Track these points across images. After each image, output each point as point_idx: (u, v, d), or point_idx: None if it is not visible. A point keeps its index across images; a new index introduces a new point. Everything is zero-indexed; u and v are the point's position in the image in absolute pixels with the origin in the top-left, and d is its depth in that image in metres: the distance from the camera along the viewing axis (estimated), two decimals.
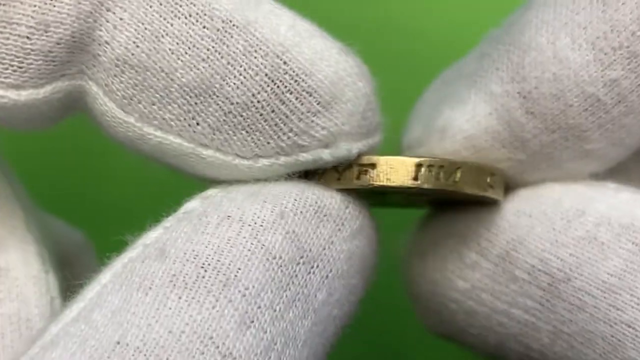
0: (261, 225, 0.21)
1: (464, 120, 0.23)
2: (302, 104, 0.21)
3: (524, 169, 0.24)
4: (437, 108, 0.25)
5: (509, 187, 0.24)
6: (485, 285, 0.23)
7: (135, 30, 0.21)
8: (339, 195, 0.22)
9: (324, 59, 0.21)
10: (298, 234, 0.21)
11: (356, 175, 0.22)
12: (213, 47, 0.21)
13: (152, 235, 0.21)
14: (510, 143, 0.23)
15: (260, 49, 0.21)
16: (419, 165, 0.22)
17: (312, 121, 0.21)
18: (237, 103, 0.21)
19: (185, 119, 0.21)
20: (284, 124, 0.21)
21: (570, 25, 0.22)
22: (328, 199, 0.22)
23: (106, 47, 0.21)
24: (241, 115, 0.21)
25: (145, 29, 0.21)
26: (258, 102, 0.21)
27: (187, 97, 0.21)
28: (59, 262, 0.25)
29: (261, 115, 0.21)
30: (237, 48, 0.21)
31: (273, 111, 0.21)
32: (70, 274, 0.24)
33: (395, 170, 0.22)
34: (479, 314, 0.24)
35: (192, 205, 0.22)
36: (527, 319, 0.23)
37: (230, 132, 0.22)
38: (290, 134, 0.22)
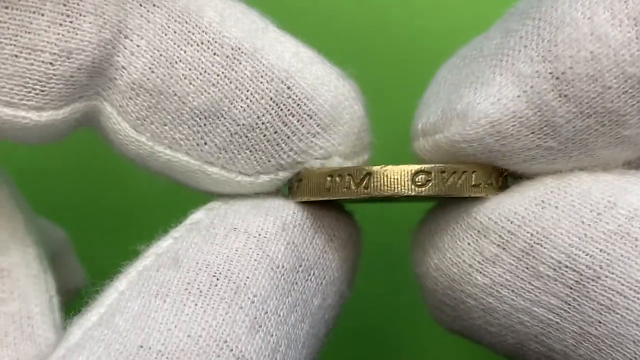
0: (265, 237, 0.22)
1: (489, 104, 0.21)
2: (303, 126, 0.23)
3: (553, 158, 0.22)
4: (457, 90, 0.23)
5: (533, 176, 0.23)
6: (506, 281, 0.22)
7: (152, 56, 0.22)
8: (333, 209, 0.24)
9: (325, 84, 0.23)
10: (297, 245, 0.23)
11: (356, 184, 0.22)
12: (223, 72, 0.22)
13: (163, 245, 0.22)
14: (540, 129, 0.21)
15: (267, 74, 0.23)
16: (416, 173, 0.22)
17: (312, 142, 0.23)
18: (243, 125, 0.23)
19: (194, 139, 0.23)
20: (285, 144, 0.23)
21: None
22: (323, 211, 0.24)
23: (123, 72, 0.22)
24: (246, 136, 0.23)
25: (161, 55, 0.22)
26: (262, 123, 0.23)
27: (197, 119, 0.23)
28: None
29: (264, 136, 0.23)
30: (245, 74, 0.22)
31: (276, 132, 0.23)
32: (53, 271, 0.25)
33: (392, 179, 0.22)
34: (499, 312, 0.22)
35: (198, 216, 0.23)
36: (550, 318, 0.21)
37: (235, 151, 0.23)
38: (290, 153, 0.23)
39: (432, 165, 0.22)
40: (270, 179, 0.24)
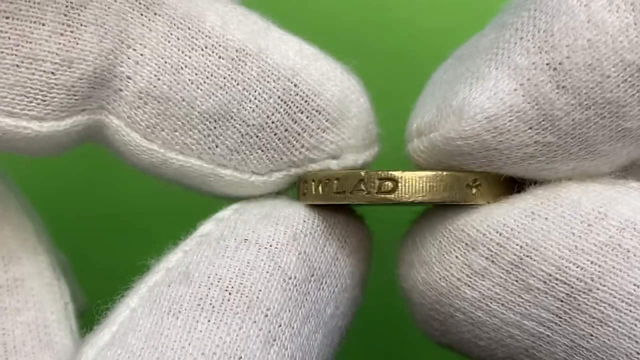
0: (276, 248, 0.22)
1: (485, 98, 0.21)
2: (312, 122, 0.23)
3: (552, 155, 0.21)
4: (452, 87, 0.22)
5: (530, 182, 0.22)
6: (496, 295, 0.21)
7: (156, 64, 0.22)
8: (342, 214, 0.24)
9: (331, 79, 0.23)
10: (309, 254, 0.22)
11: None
12: (229, 75, 0.22)
13: (173, 259, 0.22)
14: (539, 123, 0.21)
15: (273, 74, 0.23)
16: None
17: (322, 137, 0.23)
18: (253, 125, 0.23)
19: (205, 142, 0.23)
20: (296, 141, 0.23)
21: None
22: (333, 219, 0.24)
23: (128, 82, 0.22)
24: (257, 136, 0.23)
25: (166, 62, 0.22)
26: (272, 122, 0.23)
27: (207, 123, 0.23)
28: None
29: (275, 134, 0.23)
30: (252, 75, 0.22)
31: (286, 130, 0.23)
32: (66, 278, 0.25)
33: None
34: (488, 326, 0.22)
35: (208, 228, 0.23)
36: (541, 332, 0.21)
37: (247, 152, 0.23)
38: (302, 150, 0.23)
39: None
40: (283, 175, 0.24)
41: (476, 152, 0.22)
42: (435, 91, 0.23)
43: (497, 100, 0.21)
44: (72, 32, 0.21)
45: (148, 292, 0.21)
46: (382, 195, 0.22)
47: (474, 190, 0.22)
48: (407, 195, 0.22)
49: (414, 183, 0.22)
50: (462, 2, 0.38)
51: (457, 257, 0.22)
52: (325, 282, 0.23)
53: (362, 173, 0.22)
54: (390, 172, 0.22)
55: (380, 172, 0.22)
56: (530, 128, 0.21)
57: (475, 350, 0.23)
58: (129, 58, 0.22)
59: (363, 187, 0.22)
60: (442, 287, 0.23)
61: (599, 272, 0.20)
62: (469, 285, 0.22)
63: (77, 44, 0.22)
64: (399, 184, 0.22)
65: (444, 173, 0.22)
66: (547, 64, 0.20)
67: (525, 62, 0.20)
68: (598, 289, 0.20)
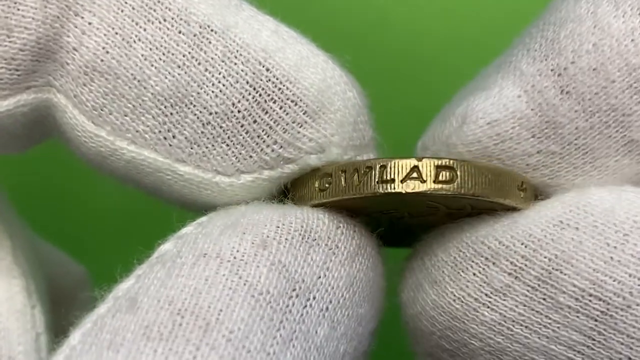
0: (242, 259, 0.18)
1: (488, 104, 0.20)
2: (286, 114, 0.20)
3: (556, 168, 0.20)
4: (459, 101, 0.22)
5: (538, 194, 0.21)
6: (519, 316, 0.19)
7: (105, 35, 0.20)
8: (327, 215, 0.20)
9: (310, 66, 0.20)
10: (286, 264, 0.19)
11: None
12: (189, 52, 0.20)
13: (124, 286, 0.19)
14: (542, 131, 0.20)
15: (241, 54, 0.20)
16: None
17: (298, 132, 0.20)
18: (216, 113, 0.20)
19: (160, 131, 0.20)
20: (268, 136, 0.20)
21: None
22: (315, 221, 0.20)
23: (74, 54, 0.20)
24: (220, 127, 0.20)
25: (116, 33, 0.20)
26: (239, 111, 0.20)
27: (162, 107, 0.20)
28: (55, 297, 0.24)
29: (242, 126, 0.20)
30: (216, 54, 0.20)
31: (255, 121, 0.20)
32: (66, 311, 0.22)
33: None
34: (509, 354, 0.20)
35: (166, 247, 0.20)
36: (571, 357, 0.19)
37: (210, 145, 0.20)
38: (274, 147, 0.20)
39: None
40: (254, 178, 0.20)
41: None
42: (445, 108, 0.22)
43: (500, 106, 0.20)
44: None
45: (91, 326, 0.18)
46: (440, 185, 0.19)
47: (522, 195, 0.20)
48: (467, 188, 0.19)
49: (474, 174, 0.20)
50: (463, 3, 0.37)
51: (474, 274, 0.20)
52: (314, 297, 0.19)
53: (416, 159, 0.19)
54: (448, 160, 0.20)
55: (435, 160, 0.19)
56: (533, 136, 0.20)
57: None
58: (75, 27, 0.20)
59: (416, 175, 0.19)
60: (456, 310, 0.20)
61: (639, 285, 0.18)
62: (488, 306, 0.20)
63: (18, 9, 0.20)
64: (458, 174, 0.19)
65: (502, 167, 0.20)
66: (552, 70, 0.20)
67: (531, 69, 0.20)
68: (638, 305, 0.18)
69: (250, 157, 0.20)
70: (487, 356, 0.20)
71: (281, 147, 0.20)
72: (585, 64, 0.19)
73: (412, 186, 0.19)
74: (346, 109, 0.20)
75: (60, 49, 0.20)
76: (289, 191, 0.21)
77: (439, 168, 0.19)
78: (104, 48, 0.20)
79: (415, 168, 0.19)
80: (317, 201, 0.20)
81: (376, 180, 0.19)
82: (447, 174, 0.19)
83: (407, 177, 0.19)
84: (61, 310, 0.23)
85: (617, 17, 0.19)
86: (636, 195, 0.20)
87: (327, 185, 0.20)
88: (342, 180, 0.20)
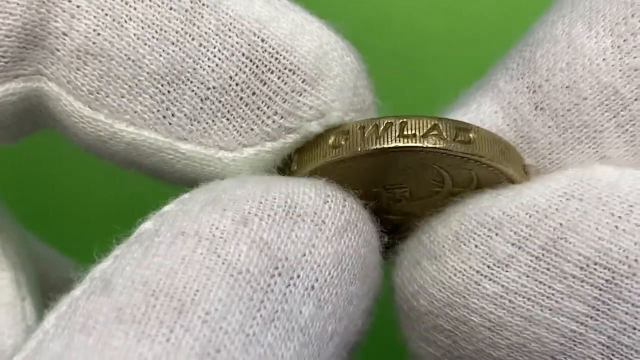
0: (221, 237, 0.18)
1: (465, 119, 0.21)
2: (285, 83, 0.20)
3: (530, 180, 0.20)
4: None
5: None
6: (522, 287, 0.19)
7: (95, 17, 0.19)
8: (315, 189, 0.19)
9: (305, 33, 0.20)
10: (268, 242, 0.18)
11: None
12: (182, 29, 0.19)
13: (101, 267, 0.18)
14: (517, 145, 0.21)
15: (235, 27, 0.19)
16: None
17: (298, 101, 0.20)
18: (214, 87, 0.19)
19: (158, 110, 0.20)
20: (267, 107, 0.20)
21: (588, 13, 0.20)
22: (300, 196, 0.19)
23: (64, 39, 0.20)
24: (219, 101, 0.20)
25: (106, 14, 0.19)
26: (236, 84, 0.19)
27: (159, 86, 0.20)
28: (46, 295, 0.23)
29: (241, 99, 0.20)
30: (209, 28, 0.19)
31: (254, 93, 0.20)
32: (40, 298, 0.22)
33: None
34: (510, 328, 0.19)
35: (145, 226, 0.19)
36: (574, 330, 0.19)
37: (210, 120, 0.20)
38: (275, 117, 0.20)
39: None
40: (257, 151, 0.20)
41: None
42: None
43: (477, 121, 0.21)
44: None
45: (66, 309, 0.17)
46: (458, 145, 0.19)
47: (524, 174, 0.21)
48: (483, 152, 0.20)
49: (489, 141, 0.20)
50: (463, 3, 0.37)
51: (476, 245, 0.20)
52: (298, 276, 0.18)
53: (436, 118, 0.20)
54: (465, 122, 0.20)
55: (454, 120, 0.20)
56: None
57: None
58: (63, 11, 0.19)
59: (437, 133, 0.19)
60: (457, 284, 0.20)
61: None
62: (490, 278, 0.19)
63: None
64: (475, 138, 0.20)
65: (511, 144, 0.21)
66: (527, 87, 0.21)
67: (508, 87, 0.21)
68: None
69: (252, 129, 0.20)
70: (486, 333, 0.20)
71: (282, 117, 0.20)
72: (559, 82, 0.20)
73: (433, 142, 0.19)
74: (345, 74, 0.20)
75: (48, 35, 0.20)
76: (292, 162, 0.21)
77: (458, 129, 0.20)
78: (94, 30, 0.19)
79: (435, 126, 0.19)
80: (330, 158, 0.20)
81: (397, 134, 0.19)
82: (465, 135, 0.20)
83: (427, 134, 0.19)
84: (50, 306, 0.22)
85: (589, 37, 0.20)
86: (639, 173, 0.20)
87: (342, 143, 0.20)
88: (359, 135, 0.20)
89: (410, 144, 0.19)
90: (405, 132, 0.19)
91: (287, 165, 0.21)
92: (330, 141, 0.20)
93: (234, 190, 0.19)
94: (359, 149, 0.19)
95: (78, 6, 0.19)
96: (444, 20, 0.37)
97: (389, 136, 0.19)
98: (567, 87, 0.20)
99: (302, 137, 0.20)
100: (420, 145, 0.19)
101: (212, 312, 0.17)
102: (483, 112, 0.21)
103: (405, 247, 0.22)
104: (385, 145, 0.19)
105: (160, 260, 0.17)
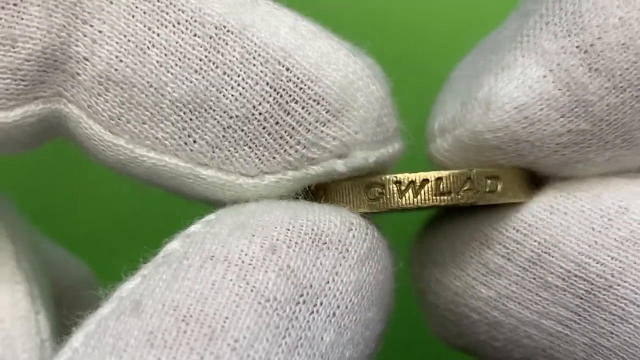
0: (250, 264, 0.18)
1: (513, 87, 0.20)
2: (309, 114, 0.19)
3: (587, 145, 0.20)
4: (475, 81, 0.21)
5: (550, 179, 0.21)
6: (512, 293, 0.21)
7: (117, 43, 0.19)
8: (339, 217, 0.20)
9: (331, 62, 0.19)
10: (294, 269, 0.18)
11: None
12: (206, 56, 0.19)
13: (129, 287, 0.18)
14: (571, 110, 0.19)
15: (259, 55, 0.19)
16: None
17: (322, 132, 0.19)
18: (237, 116, 0.19)
19: (180, 137, 0.19)
20: (290, 137, 0.19)
21: None
22: (326, 223, 0.19)
23: (86, 64, 0.19)
24: (242, 130, 0.19)
25: (129, 41, 0.19)
26: (260, 114, 0.19)
27: (181, 113, 0.19)
28: (59, 297, 0.24)
29: (264, 128, 0.19)
30: (234, 56, 0.19)
31: (277, 123, 0.19)
32: (68, 312, 0.21)
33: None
34: (504, 326, 0.21)
35: (173, 246, 0.19)
36: (559, 330, 0.20)
37: (232, 148, 0.19)
38: (297, 147, 0.20)
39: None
40: (278, 179, 0.20)
41: (506, 146, 0.20)
42: (455, 87, 0.22)
43: (525, 89, 0.20)
44: (15, 4, 0.19)
45: (95, 327, 0.17)
46: (489, 195, 0.21)
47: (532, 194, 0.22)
48: (510, 195, 0.21)
49: (513, 180, 0.21)
50: (465, 3, 0.37)
51: (471, 256, 0.22)
52: (321, 303, 0.18)
53: (467, 171, 0.21)
54: (492, 170, 0.21)
55: (485, 170, 0.21)
56: (562, 116, 0.20)
57: (490, 353, 0.22)
58: (85, 36, 0.19)
59: (469, 187, 0.20)
60: (457, 287, 0.22)
61: (620, 267, 0.19)
62: (485, 284, 0.21)
63: (22, 18, 0.19)
64: (502, 182, 0.21)
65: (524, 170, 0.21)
66: (577, 47, 0.19)
67: (554, 47, 0.19)
68: (619, 285, 0.19)
69: (274, 158, 0.20)
70: (486, 328, 0.22)
71: (305, 147, 0.20)
72: (613, 40, 0.19)
73: (467, 197, 0.20)
74: (369, 104, 0.20)
75: (69, 59, 0.19)
76: (313, 193, 0.21)
77: (487, 178, 0.20)
78: (117, 57, 0.19)
79: (468, 180, 0.20)
80: (368, 210, 0.20)
81: (433, 192, 0.20)
82: (494, 184, 0.21)
83: (461, 189, 0.20)
84: (64, 310, 0.22)
85: None
86: (624, 181, 0.20)
87: (377, 195, 0.20)
88: (396, 191, 0.20)
89: (448, 203, 0.20)
90: (441, 189, 0.20)
91: (308, 195, 0.21)
92: (365, 191, 0.20)
93: (262, 216, 0.19)
94: (398, 206, 0.20)
95: (100, 31, 0.19)
96: (444, 21, 0.37)
97: (427, 194, 0.20)
98: (623, 44, 0.19)
99: (325, 171, 0.20)
100: (456, 203, 0.20)
101: (241, 340, 0.17)
102: (530, 77, 0.20)
103: (416, 247, 0.23)
104: (424, 205, 0.20)
105: (190, 284, 0.17)
